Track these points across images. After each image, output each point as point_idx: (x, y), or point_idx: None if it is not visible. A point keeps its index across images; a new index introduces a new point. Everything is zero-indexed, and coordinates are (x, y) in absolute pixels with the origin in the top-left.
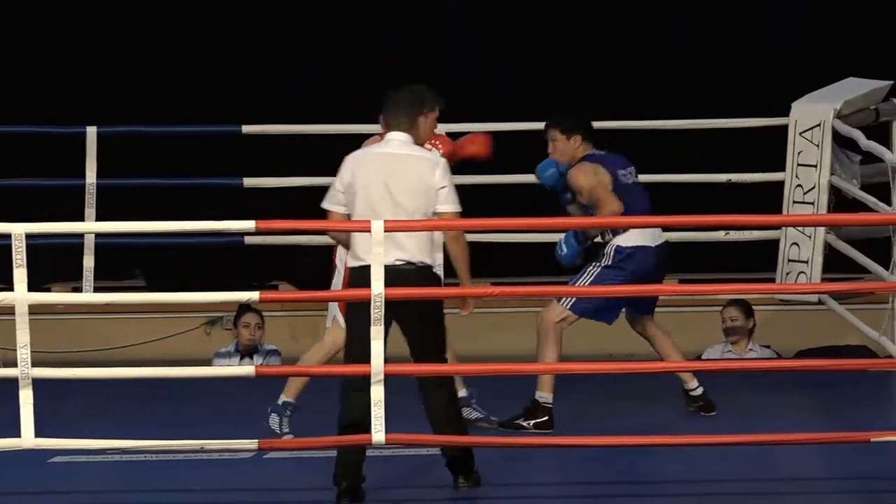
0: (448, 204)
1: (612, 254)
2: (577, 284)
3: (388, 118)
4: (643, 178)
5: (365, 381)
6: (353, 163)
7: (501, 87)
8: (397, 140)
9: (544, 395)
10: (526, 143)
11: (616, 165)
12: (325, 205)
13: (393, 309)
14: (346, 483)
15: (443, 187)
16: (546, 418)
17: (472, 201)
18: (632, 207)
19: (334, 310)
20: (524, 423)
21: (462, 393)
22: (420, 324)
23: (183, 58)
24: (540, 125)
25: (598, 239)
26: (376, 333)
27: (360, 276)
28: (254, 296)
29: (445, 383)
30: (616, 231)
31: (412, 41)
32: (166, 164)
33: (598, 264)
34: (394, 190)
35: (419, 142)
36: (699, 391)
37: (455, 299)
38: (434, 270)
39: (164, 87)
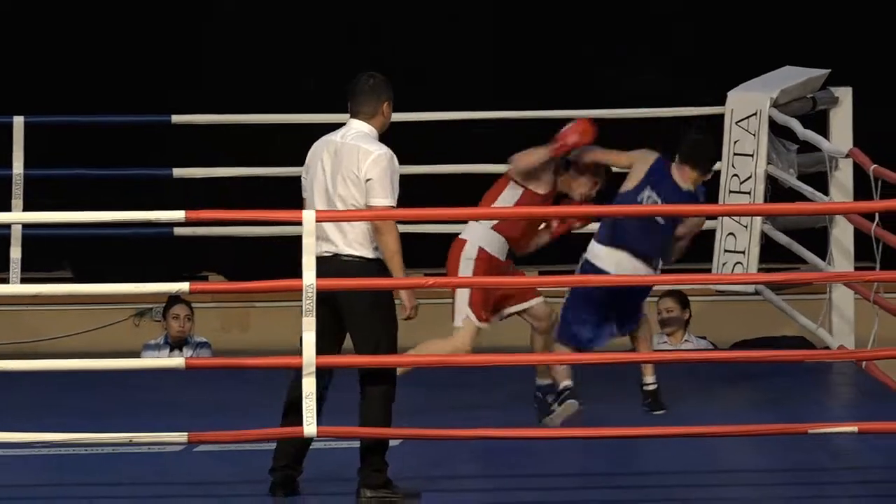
0: (377, 197)
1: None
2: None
3: (351, 105)
4: None
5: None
6: (312, 150)
7: (436, 78)
8: (353, 129)
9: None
10: (459, 133)
11: None
12: (303, 193)
13: (331, 302)
14: (279, 473)
15: (369, 179)
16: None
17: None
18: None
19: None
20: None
21: (567, 383)
22: (358, 317)
23: (112, 46)
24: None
25: None
26: (308, 325)
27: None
28: (183, 287)
29: (380, 378)
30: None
31: (347, 31)
32: (95, 154)
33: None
34: (332, 179)
35: (382, 129)
36: (652, 387)
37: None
38: (375, 262)
39: (92, 76)
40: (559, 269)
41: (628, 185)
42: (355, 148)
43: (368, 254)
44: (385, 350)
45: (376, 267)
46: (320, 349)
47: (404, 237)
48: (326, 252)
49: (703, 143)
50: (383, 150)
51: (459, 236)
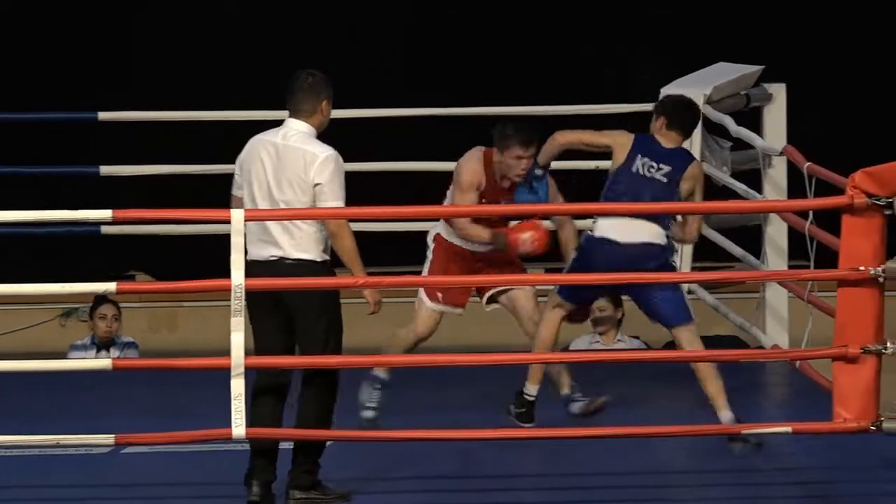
0: (328, 200)
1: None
2: None
3: (289, 104)
4: None
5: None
6: (247, 148)
7: (361, 74)
8: (293, 129)
9: (530, 388)
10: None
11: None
12: (233, 190)
13: (281, 304)
14: (256, 486)
15: (318, 184)
16: (524, 410)
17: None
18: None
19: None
20: (512, 408)
21: (565, 390)
22: (306, 320)
23: (40, 44)
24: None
25: None
26: (236, 325)
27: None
28: (110, 287)
29: (324, 380)
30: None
31: (275, 29)
32: (21, 152)
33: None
34: (276, 182)
35: (321, 128)
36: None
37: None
38: (322, 265)
39: (18, 73)
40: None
41: (618, 159)
42: (300, 151)
43: (316, 257)
44: (331, 352)
45: (324, 270)
46: (268, 349)
47: (364, 235)
48: (273, 256)
49: (684, 104)
50: (330, 152)
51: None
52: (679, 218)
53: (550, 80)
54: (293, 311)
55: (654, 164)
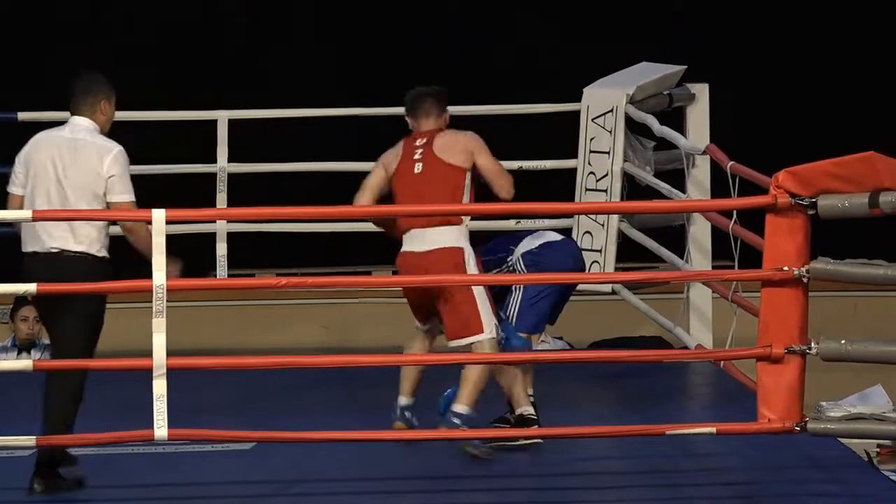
0: (121, 193)
1: (520, 260)
2: (512, 316)
3: (72, 102)
4: None
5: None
6: (32, 144)
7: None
8: (80, 126)
9: (526, 409)
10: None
11: None
12: (10, 188)
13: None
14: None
15: (112, 176)
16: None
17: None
18: None
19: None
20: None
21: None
22: (67, 315)
23: None
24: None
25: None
26: (157, 326)
27: (25, 264)
28: (31, 288)
29: (70, 384)
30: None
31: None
32: None
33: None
34: (64, 176)
35: (105, 127)
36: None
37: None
38: (102, 261)
39: None
40: None
41: None
42: (92, 144)
43: (97, 252)
44: (80, 354)
45: (103, 265)
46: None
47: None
48: (53, 248)
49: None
50: (119, 147)
51: (443, 246)
52: None
53: (472, 79)
54: (57, 304)
55: None
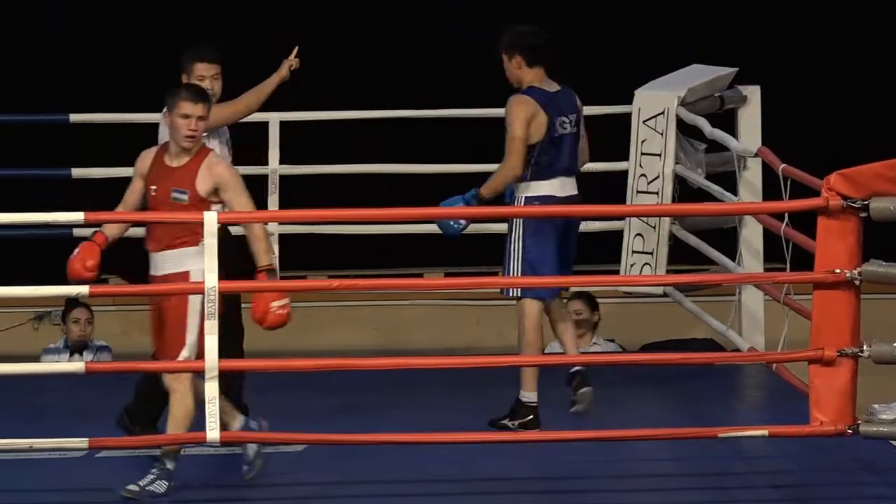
0: None
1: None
2: (510, 270)
3: None
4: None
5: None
6: None
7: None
8: None
9: (528, 395)
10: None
11: (555, 109)
12: None
13: None
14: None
15: None
16: (531, 417)
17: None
18: (549, 166)
19: None
20: (509, 424)
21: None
22: None
23: None
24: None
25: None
26: (209, 328)
27: None
28: (83, 290)
29: None
30: (521, 182)
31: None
32: None
33: (516, 237)
34: None
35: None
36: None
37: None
38: None
39: None
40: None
41: (540, 132)
42: None
43: None
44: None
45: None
46: None
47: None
48: None
49: (539, 33)
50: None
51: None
52: None
53: None
54: None
55: (566, 119)
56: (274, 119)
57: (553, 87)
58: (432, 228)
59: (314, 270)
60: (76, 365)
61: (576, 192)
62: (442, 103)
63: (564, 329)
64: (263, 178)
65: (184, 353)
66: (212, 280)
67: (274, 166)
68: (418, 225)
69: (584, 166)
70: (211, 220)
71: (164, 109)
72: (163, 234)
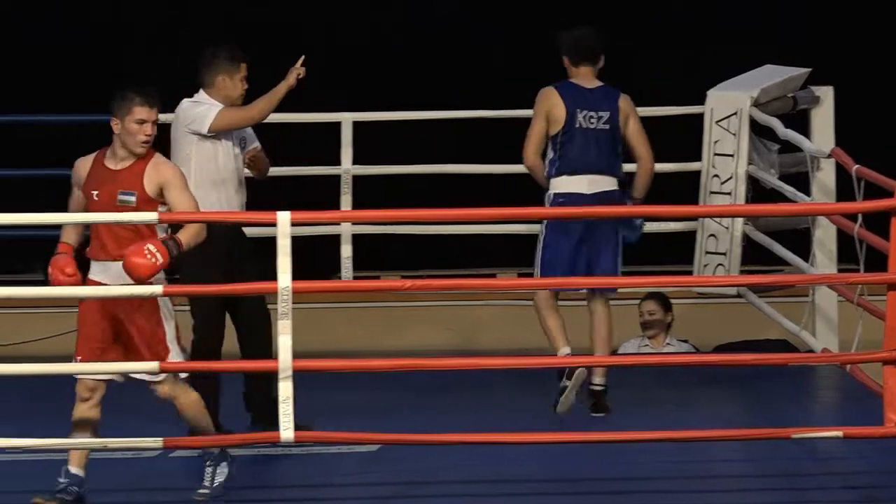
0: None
1: (548, 206)
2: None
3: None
4: None
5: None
6: None
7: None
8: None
9: (563, 350)
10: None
11: (580, 102)
12: None
13: None
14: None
15: (191, 122)
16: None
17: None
18: (574, 160)
19: None
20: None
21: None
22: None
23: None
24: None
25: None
26: (283, 328)
27: None
28: (157, 289)
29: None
30: (552, 176)
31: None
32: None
33: (540, 231)
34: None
35: (226, 103)
36: (599, 389)
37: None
38: None
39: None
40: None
41: (558, 122)
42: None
43: None
44: None
45: None
46: None
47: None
48: None
49: (585, 35)
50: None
51: None
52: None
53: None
54: None
55: (594, 114)
56: (347, 119)
57: (592, 84)
58: (505, 228)
59: (387, 271)
60: (150, 364)
61: (608, 189)
62: (507, 104)
63: (593, 330)
64: (336, 179)
65: (174, 358)
66: (285, 280)
67: (347, 167)
68: (491, 225)
69: (647, 165)
70: (284, 220)
71: (115, 115)
72: (116, 241)
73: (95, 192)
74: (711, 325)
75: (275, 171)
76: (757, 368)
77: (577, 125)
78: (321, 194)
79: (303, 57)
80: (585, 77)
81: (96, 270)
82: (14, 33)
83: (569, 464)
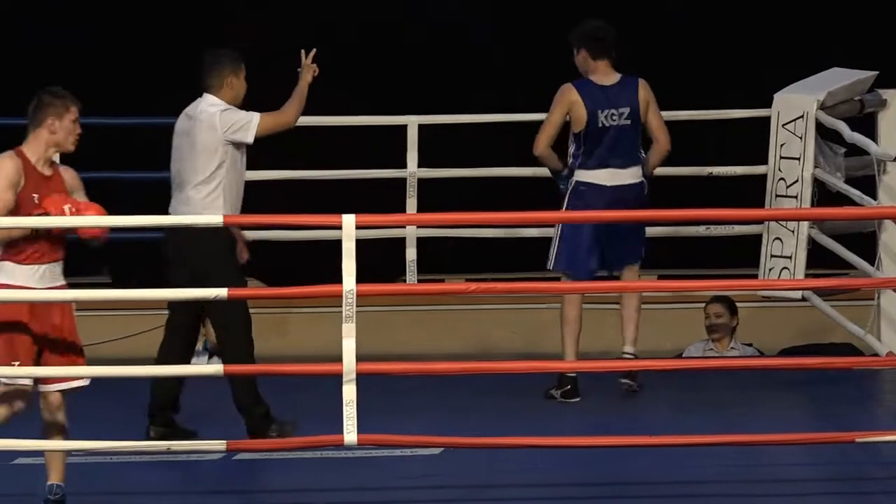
0: (246, 125)
1: (569, 195)
2: (552, 248)
3: (201, 80)
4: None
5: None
6: None
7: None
8: (203, 102)
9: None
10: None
11: (601, 102)
12: None
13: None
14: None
15: (229, 126)
16: (569, 387)
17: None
18: (597, 156)
19: None
20: (554, 394)
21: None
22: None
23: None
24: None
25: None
26: (347, 331)
27: None
28: (221, 293)
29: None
30: (575, 168)
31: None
32: (124, 156)
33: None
34: (179, 157)
35: (233, 103)
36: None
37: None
38: None
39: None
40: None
41: (580, 122)
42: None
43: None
44: None
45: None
46: None
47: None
48: None
49: (601, 28)
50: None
51: None
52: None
53: (669, 86)
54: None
55: (615, 111)
56: (413, 122)
57: (611, 79)
58: None
59: (452, 274)
60: (214, 367)
61: (631, 182)
62: None
63: (623, 306)
64: (402, 182)
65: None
66: (349, 283)
67: (412, 169)
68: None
69: (664, 147)
70: (349, 222)
71: (50, 117)
72: (53, 245)
73: (35, 196)
74: (776, 328)
75: (340, 173)
76: (821, 372)
77: (600, 125)
78: (388, 197)
79: (314, 51)
80: (604, 72)
81: (27, 275)
82: (14, 33)
83: (633, 468)
